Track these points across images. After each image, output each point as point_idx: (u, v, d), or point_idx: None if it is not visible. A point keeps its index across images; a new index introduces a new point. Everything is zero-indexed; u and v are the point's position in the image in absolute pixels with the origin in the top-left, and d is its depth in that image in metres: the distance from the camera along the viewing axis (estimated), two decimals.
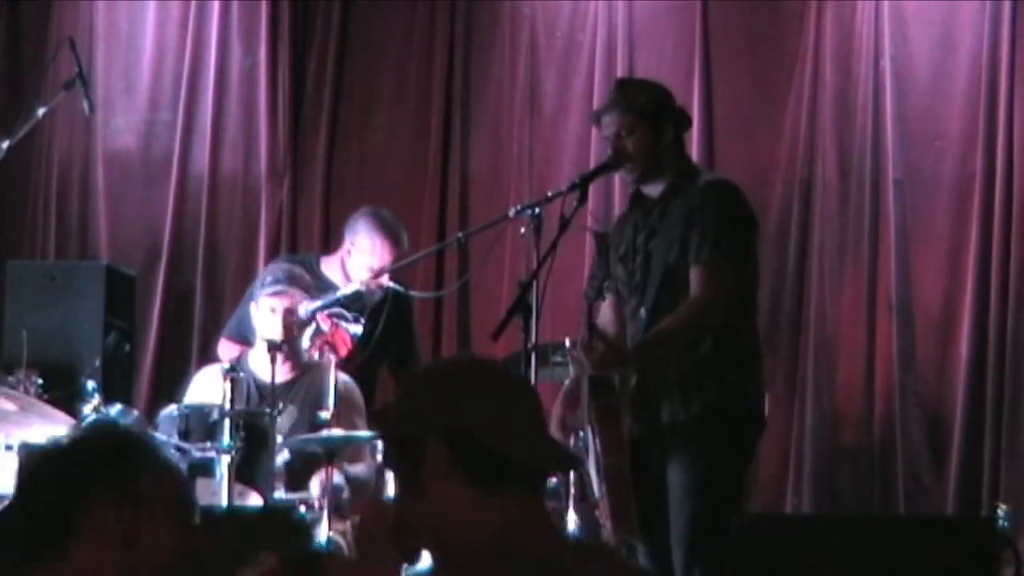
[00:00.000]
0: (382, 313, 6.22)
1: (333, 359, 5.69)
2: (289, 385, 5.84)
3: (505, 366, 2.82)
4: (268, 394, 5.48)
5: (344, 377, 5.82)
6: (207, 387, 5.82)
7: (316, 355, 5.88)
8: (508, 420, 2.31)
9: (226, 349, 6.23)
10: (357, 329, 6.15)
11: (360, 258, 6.16)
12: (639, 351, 4.71)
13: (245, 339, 6.13)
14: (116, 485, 2.37)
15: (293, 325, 5.78)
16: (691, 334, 4.74)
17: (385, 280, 6.08)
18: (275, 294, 5.86)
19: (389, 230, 6.19)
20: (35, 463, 2.46)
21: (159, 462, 2.47)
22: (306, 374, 5.91)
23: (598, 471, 4.61)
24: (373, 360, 6.27)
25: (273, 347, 5.62)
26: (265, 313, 5.84)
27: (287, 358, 5.82)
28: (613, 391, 4.70)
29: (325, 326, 6.04)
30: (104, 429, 2.54)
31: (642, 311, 4.81)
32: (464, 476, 2.29)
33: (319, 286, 6.04)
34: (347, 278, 6.15)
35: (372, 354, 6.24)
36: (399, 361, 6.36)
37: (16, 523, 2.39)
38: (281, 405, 5.51)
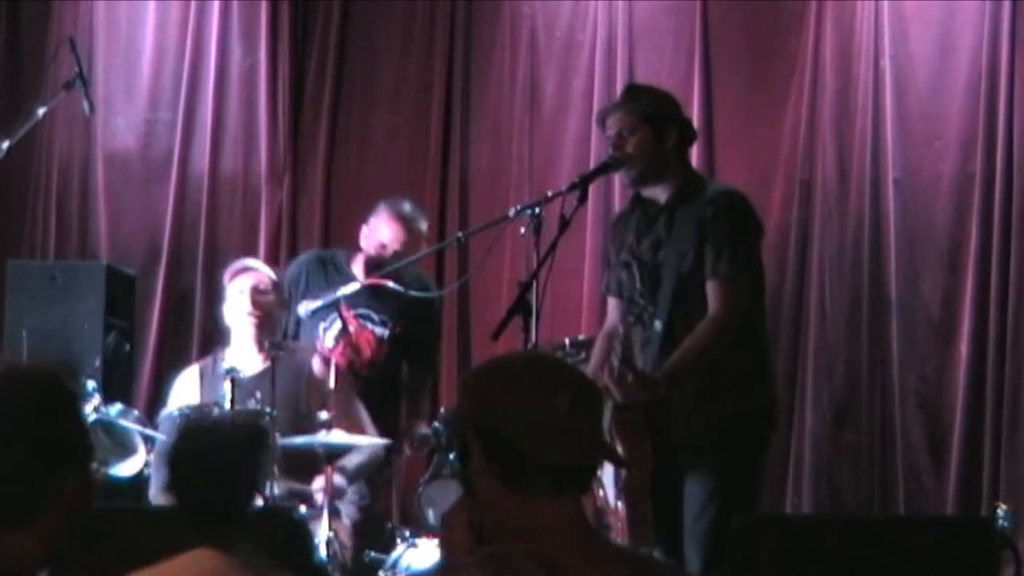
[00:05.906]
0: (406, 316, 6.22)
1: (334, 359, 5.70)
2: (263, 375, 5.75)
3: (557, 360, 2.78)
4: (242, 387, 5.46)
5: (317, 364, 5.82)
6: (186, 390, 5.82)
7: (339, 356, 5.91)
8: (533, 420, 2.33)
9: None
10: (383, 332, 6.15)
11: (367, 237, 6.22)
12: (669, 379, 4.67)
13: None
14: (82, 447, 2.24)
15: (262, 303, 5.79)
16: (716, 351, 4.75)
17: (387, 282, 6.05)
18: (237, 273, 5.89)
19: (397, 209, 6.25)
20: None
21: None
22: (278, 362, 5.84)
23: (615, 481, 4.59)
24: (393, 361, 6.27)
25: (260, 343, 5.66)
26: (234, 296, 5.84)
27: (260, 349, 5.79)
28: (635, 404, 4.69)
29: (351, 327, 6.04)
30: (39, 384, 2.29)
31: (657, 324, 4.80)
32: (496, 473, 2.34)
33: (345, 283, 6.03)
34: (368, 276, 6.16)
35: (391, 354, 6.24)
36: (414, 364, 6.37)
37: None
38: (258, 394, 5.48)
